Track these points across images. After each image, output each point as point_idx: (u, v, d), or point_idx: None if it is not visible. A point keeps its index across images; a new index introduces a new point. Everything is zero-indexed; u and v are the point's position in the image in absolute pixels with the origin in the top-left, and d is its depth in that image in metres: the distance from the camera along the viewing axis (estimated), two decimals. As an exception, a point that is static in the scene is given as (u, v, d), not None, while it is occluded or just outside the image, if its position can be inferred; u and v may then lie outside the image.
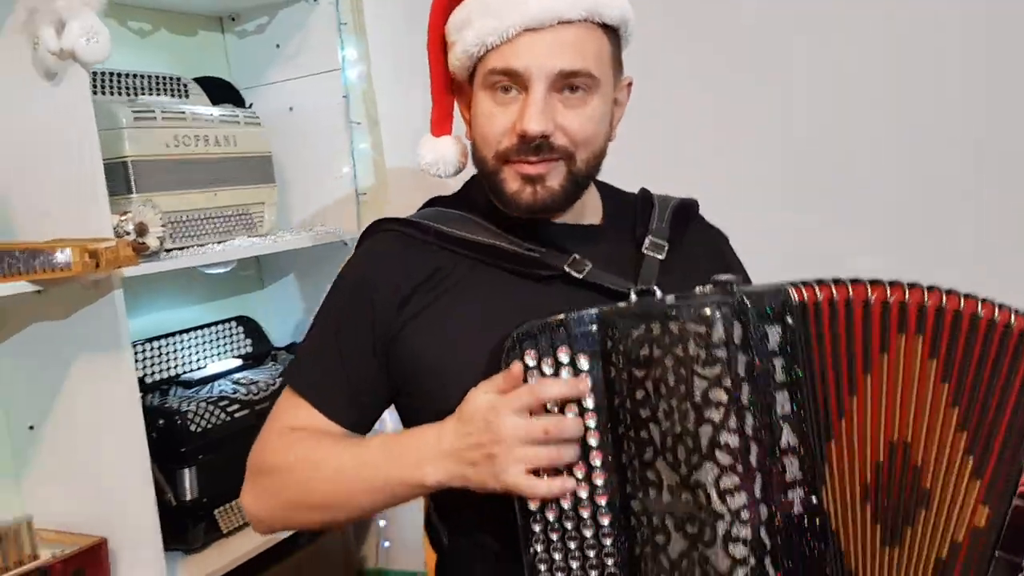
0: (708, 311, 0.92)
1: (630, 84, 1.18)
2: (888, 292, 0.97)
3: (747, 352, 0.93)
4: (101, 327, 1.56)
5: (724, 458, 0.94)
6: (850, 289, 0.97)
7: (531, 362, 0.95)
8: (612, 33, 1.10)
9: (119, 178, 1.68)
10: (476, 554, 1.12)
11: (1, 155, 1.59)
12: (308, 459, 1.07)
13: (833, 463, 0.97)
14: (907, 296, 0.96)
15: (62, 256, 1.40)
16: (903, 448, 0.97)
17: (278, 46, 2.08)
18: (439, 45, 1.16)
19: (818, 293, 0.96)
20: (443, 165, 1.21)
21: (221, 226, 1.82)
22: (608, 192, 1.26)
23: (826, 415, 0.97)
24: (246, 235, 1.89)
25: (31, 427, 1.66)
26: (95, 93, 1.73)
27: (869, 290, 0.97)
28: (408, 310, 1.11)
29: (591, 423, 0.96)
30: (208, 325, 2.08)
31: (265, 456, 1.12)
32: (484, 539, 1.10)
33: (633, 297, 1.07)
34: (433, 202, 1.24)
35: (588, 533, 0.97)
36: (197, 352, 2.01)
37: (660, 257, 1.14)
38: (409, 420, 1.15)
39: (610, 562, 0.97)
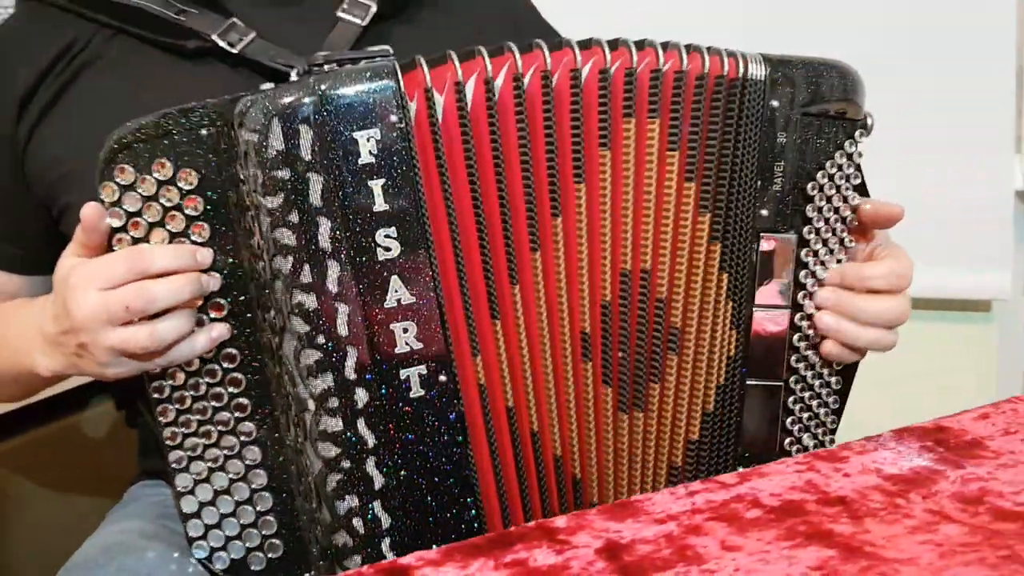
0: (256, 112, 0.63)
1: None
2: (579, 56, 0.69)
3: (324, 171, 0.63)
4: None
5: (300, 325, 0.66)
6: (519, 58, 0.67)
7: (124, 181, 0.66)
8: None
9: None
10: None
11: None
12: None
13: (517, 317, 0.70)
14: (608, 60, 0.69)
15: None
16: (640, 278, 0.72)
17: None
18: None
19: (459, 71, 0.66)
20: None
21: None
22: None
23: (511, 249, 0.69)
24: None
25: None
26: None
27: (547, 56, 0.68)
28: (32, 111, 0.83)
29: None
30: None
31: None
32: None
33: (293, 77, 0.73)
34: None
35: (223, 405, 0.71)
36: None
37: (360, 22, 0.84)
38: None
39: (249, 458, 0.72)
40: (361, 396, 0.66)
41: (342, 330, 0.65)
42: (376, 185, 0.63)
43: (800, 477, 0.60)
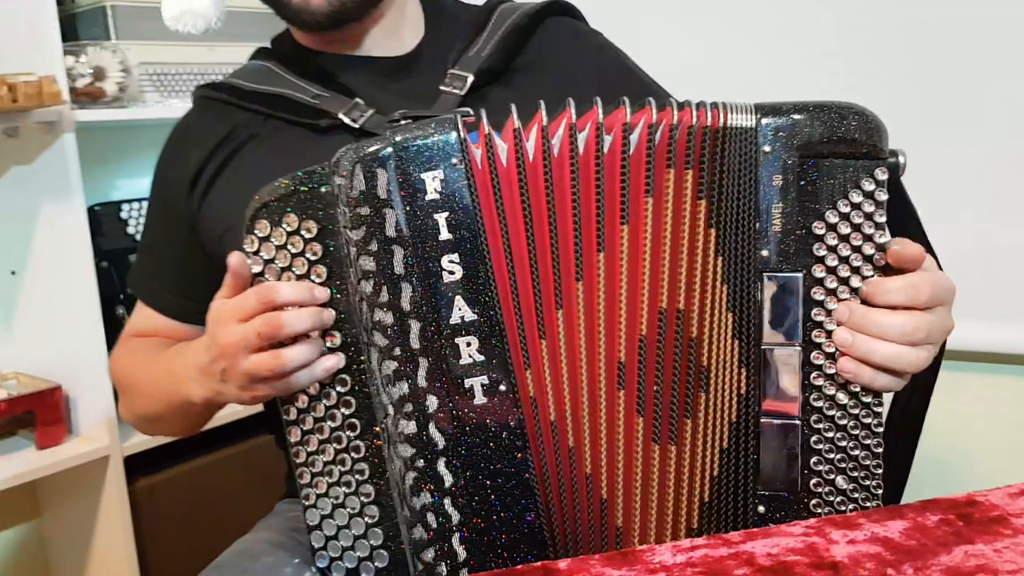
0: (347, 160, 0.75)
1: None
2: (629, 113, 0.76)
3: (396, 206, 0.74)
4: (57, 172, 1.55)
5: (380, 339, 0.77)
6: (573, 116, 0.76)
7: (262, 233, 0.78)
8: None
9: (99, 23, 1.64)
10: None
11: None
12: (134, 375, 1.03)
13: (560, 338, 0.77)
14: (655, 117, 0.76)
15: (-20, 89, 1.37)
16: (676, 318, 0.76)
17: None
18: None
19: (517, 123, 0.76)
20: (192, 18, 1.07)
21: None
22: (438, 9, 1.07)
23: (558, 278, 0.76)
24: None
25: (13, 272, 1.69)
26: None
27: (601, 113, 0.76)
28: (200, 187, 1.00)
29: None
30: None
31: (112, 368, 1.09)
32: None
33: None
34: (257, 52, 1.09)
35: (337, 425, 0.81)
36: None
37: (459, 92, 0.95)
38: None
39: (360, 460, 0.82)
40: (432, 402, 0.76)
41: (415, 343, 0.75)
42: (441, 217, 0.73)
43: (805, 540, 0.62)
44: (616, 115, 0.76)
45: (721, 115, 0.75)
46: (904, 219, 0.80)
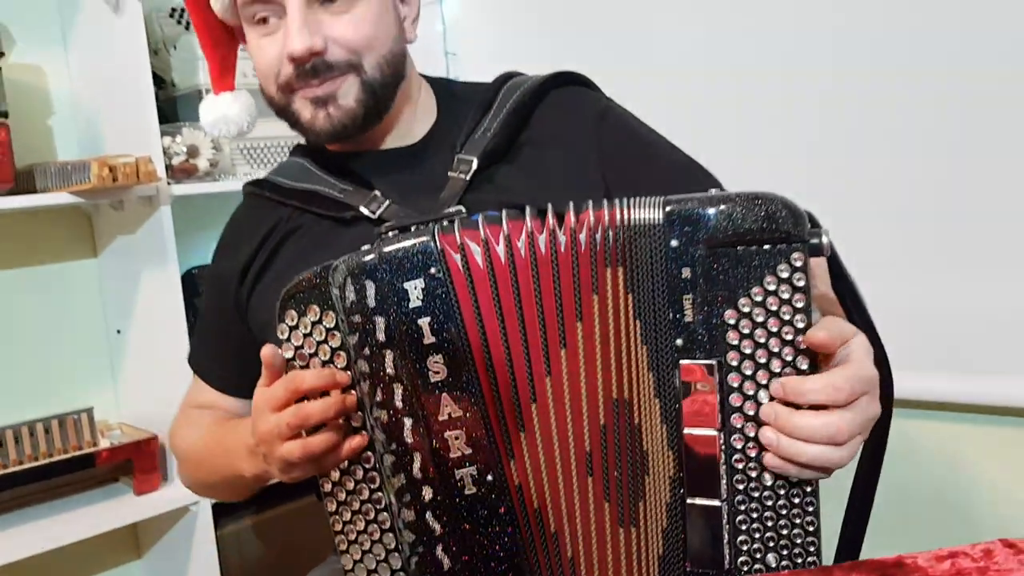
0: (340, 272, 0.82)
1: None
2: (537, 220, 0.81)
3: (384, 314, 0.81)
4: (155, 241, 1.69)
5: (379, 434, 0.84)
6: (530, 221, 0.81)
7: (290, 323, 0.86)
8: None
9: (194, 106, 1.78)
10: None
11: (90, 81, 1.77)
12: (192, 448, 1.13)
13: (536, 430, 0.82)
14: (594, 220, 0.80)
15: (88, 171, 1.53)
16: (625, 406, 0.81)
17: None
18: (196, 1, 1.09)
19: (472, 234, 0.81)
20: (225, 124, 1.16)
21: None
22: (449, 93, 1.14)
23: (531, 374, 0.81)
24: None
25: (119, 331, 1.85)
26: (185, 28, 1.85)
27: (529, 222, 0.81)
28: (249, 280, 1.10)
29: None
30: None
31: (172, 437, 1.20)
32: None
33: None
34: (295, 148, 1.19)
35: (365, 499, 0.88)
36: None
37: (465, 177, 1.01)
38: None
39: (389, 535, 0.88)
40: (427, 492, 0.82)
41: (408, 438, 0.81)
42: (424, 323, 0.79)
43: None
44: (567, 218, 0.80)
45: (628, 212, 0.78)
46: (842, 294, 0.81)
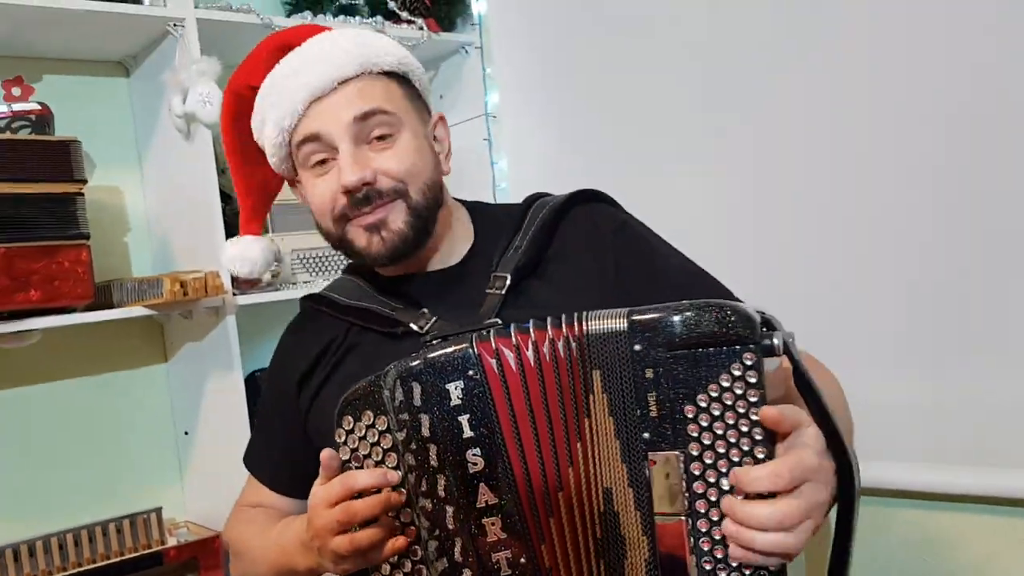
0: (391, 376, 0.92)
1: (442, 118, 1.21)
2: (556, 329, 0.91)
3: (428, 412, 0.90)
4: (221, 348, 1.81)
5: (424, 522, 0.92)
6: (533, 333, 0.90)
7: (347, 428, 0.96)
8: (398, 77, 1.15)
9: (258, 220, 1.92)
10: None
11: (163, 201, 1.93)
12: (248, 543, 1.23)
13: (562, 516, 0.90)
14: (577, 329, 0.90)
15: (161, 287, 1.66)
16: (607, 495, 0.89)
17: (441, 96, 2.22)
18: (234, 149, 1.25)
19: (505, 342, 0.91)
20: (242, 263, 1.30)
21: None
22: (483, 216, 1.25)
23: (548, 467, 0.90)
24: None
25: (186, 432, 1.96)
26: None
27: (533, 334, 0.90)
28: (309, 388, 1.21)
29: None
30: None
31: (226, 533, 1.31)
32: None
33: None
34: (347, 268, 1.31)
35: None
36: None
37: (501, 292, 1.12)
38: None
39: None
40: (467, 575, 0.89)
41: (450, 524, 0.90)
42: (464, 419, 0.89)
43: None
44: (567, 328, 0.90)
45: (595, 323, 0.88)
46: (800, 388, 0.88)
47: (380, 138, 1.10)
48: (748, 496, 0.81)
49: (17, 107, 1.68)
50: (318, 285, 1.95)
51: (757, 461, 0.82)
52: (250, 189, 1.28)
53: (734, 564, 0.83)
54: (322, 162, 1.12)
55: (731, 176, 1.78)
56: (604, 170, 2.00)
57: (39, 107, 1.71)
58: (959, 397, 1.48)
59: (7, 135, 1.65)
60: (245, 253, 1.30)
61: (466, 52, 2.17)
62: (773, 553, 0.80)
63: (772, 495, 0.80)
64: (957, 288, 1.48)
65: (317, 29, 1.17)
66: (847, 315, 1.62)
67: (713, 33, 1.78)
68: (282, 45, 1.16)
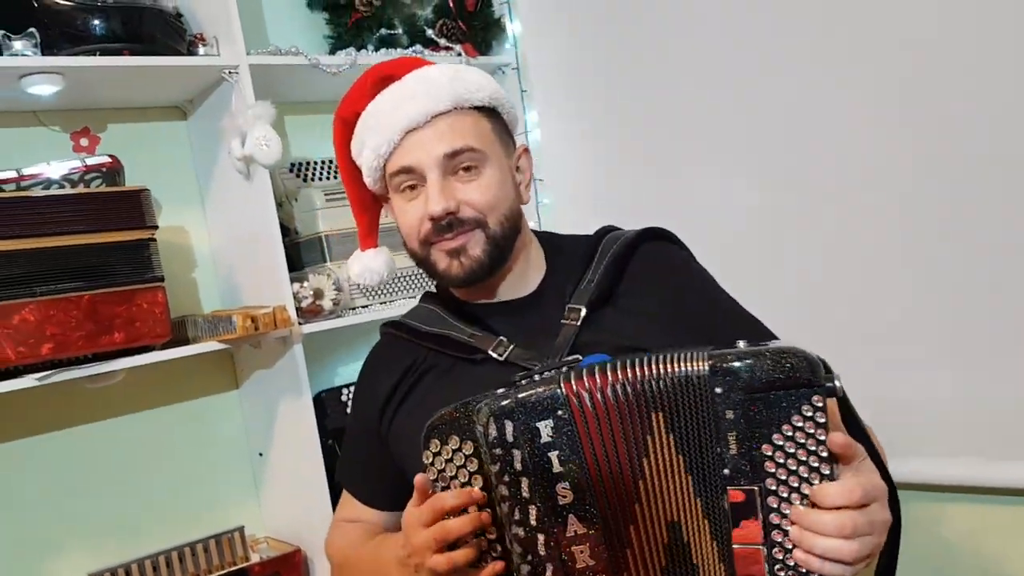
0: (484, 412, 1.00)
1: (526, 150, 1.30)
2: (621, 374, 0.98)
3: (520, 448, 0.98)
4: (290, 374, 1.91)
5: (517, 548, 1.01)
6: (609, 374, 0.98)
7: (434, 451, 1.03)
8: (488, 112, 1.24)
9: (316, 250, 2.02)
10: None
11: (227, 240, 2.03)
12: (347, 558, 1.33)
13: (635, 546, 0.98)
14: (636, 373, 0.98)
15: (233, 323, 1.77)
16: (675, 528, 0.97)
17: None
18: (348, 173, 1.34)
19: (589, 382, 0.99)
20: (369, 275, 1.39)
21: (406, 284, 2.08)
22: (555, 247, 1.34)
23: (621, 500, 0.98)
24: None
25: (260, 453, 2.07)
26: (303, 180, 2.11)
27: (609, 375, 0.98)
28: (390, 410, 1.31)
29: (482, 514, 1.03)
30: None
31: (327, 548, 1.40)
32: None
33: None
34: (424, 296, 1.41)
35: None
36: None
37: (576, 323, 1.21)
38: None
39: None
40: None
41: (541, 551, 0.98)
42: (553, 455, 0.97)
43: None
44: (645, 370, 0.98)
45: (677, 365, 0.95)
46: (848, 424, 0.97)
47: (466, 169, 1.20)
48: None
49: (90, 161, 1.79)
50: (375, 308, 2.05)
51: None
52: (364, 207, 1.37)
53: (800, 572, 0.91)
54: (412, 187, 1.22)
55: (766, 179, 1.86)
56: (639, 182, 2.08)
57: (109, 160, 1.81)
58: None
59: (84, 189, 1.76)
60: (370, 266, 1.39)
61: (503, 73, 2.25)
62: (832, 559, 0.88)
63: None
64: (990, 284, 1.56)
65: (418, 63, 1.26)
66: (887, 313, 1.70)
67: (749, 46, 1.85)
68: (384, 76, 1.25)
